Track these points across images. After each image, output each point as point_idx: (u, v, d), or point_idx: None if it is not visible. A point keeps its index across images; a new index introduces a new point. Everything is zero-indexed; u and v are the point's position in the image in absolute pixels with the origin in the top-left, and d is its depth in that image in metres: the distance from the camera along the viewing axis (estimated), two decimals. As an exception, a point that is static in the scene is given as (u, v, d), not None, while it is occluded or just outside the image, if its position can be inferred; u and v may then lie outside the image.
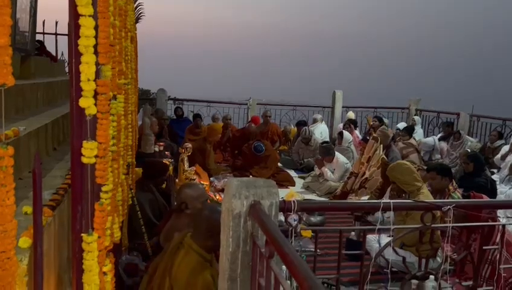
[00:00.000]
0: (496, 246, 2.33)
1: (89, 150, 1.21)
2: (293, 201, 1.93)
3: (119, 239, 2.26)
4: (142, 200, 3.73)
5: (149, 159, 4.62)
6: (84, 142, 1.22)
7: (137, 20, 5.95)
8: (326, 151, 6.81)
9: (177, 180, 4.89)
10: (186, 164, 4.99)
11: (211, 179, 5.95)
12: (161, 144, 5.77)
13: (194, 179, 4.95)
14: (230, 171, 6.92)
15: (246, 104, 10.74)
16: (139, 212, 3.46)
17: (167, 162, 4.66)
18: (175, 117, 9.35)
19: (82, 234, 1.32)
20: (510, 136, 7.62)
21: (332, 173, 6.68)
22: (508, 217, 3.17)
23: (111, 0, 1.46)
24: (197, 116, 8.50)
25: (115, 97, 2.11)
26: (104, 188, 1.57)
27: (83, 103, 1.18)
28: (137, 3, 5.21)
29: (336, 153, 6.90)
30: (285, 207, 1.93)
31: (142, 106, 8.38)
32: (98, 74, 1.42)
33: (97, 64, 1.29)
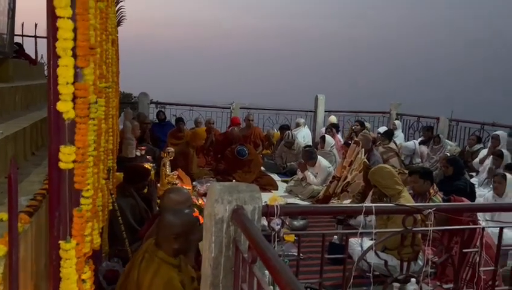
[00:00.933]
0: (476, 249, 2.36)
1: (67, 155, 1.18)
2: (276, 205, 1.92)
3: (99, 245, 2.22)
4: (123, 206, 3.68)
5: (130, 163, 4.56)
6: (62, 147, 1.19)
7: (118, 23, 5.90)
8: (309, 155, 6.84)
9: (158, 185, 4.84)
10: (168, 169, 4.94)
11: (194, 183, 5.90)
12: (143, 148, 5.71)
13: (176, 184, 4.90)
14: (213, 175, 6.89)
15: (229, 108, 10.71)
16: (119, 218, 3.41)
17: (149, 167, 4.61)
18: (157, 121, 9.27)
19: (60, 241, 1.28)
20: (488, 140, 7.76)
21: (315, 176, 6.71)
22: (486, 220, 3.22)
23: (91, 2, 1.43)
24: (179, 120, 8.44)
25: (95, 101, 2.08)
26: (84, 193, 1.54)
27: (61, 106, 1.15)
28: (119, 5, 5.16)
29: (319, 157, 6.94)
30: (268, 212, 1.92)
31: (123, 110, 8.29)
32: (77, 76, 1.39)
33: (76, 67, 1.27)
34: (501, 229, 2.36)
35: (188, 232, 2.32)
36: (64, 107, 1.14)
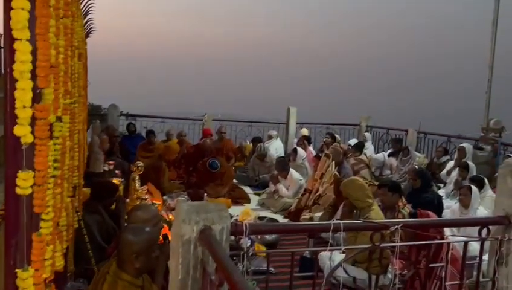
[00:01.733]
0: (442, 264, 2.41)
1: (24, 181, 1.14)
2: (245, 224, 1.90)
3: (62, 267, 2.14)
4: (90, 223, 3.57)
5: (97, 179, 4.45)
6: (19, 172, 1.14)
7: (87, 35, 5.80)
8: (282, 165, 6.87)
9: (127, 200, 4.73)
10: (138, 183, 4.84)
11: (164, 197, 5.80)
12: (111, 162, 5.59)
13: (146, 199, 4.81)
14: (185, 189, 6.79)
15: (201, 120, 10.65)
16: (85, 236, 3.31)
17: (117, 182, 4.51)
18: (127, 133, 9.11)
19: (17, 270, 1.23)
20: (454, 152, 7.96)
21: (287, 189, 6.72)
22: (452, 235, 3.28)
23: (52, 21, 1.40)
24: (150, 132, 8.32)
25: (59, 119, 2.02)
26: (44, 217, 1.48)
27: (18, 131, 1.11)
28: (87, 18, 5.08)
29: (290, 169, 6.96)
30: (236, 231, 1.90)
31: (92, 122, 8.11)
32: (38, 97, 1.35)
33: (36, 88, 1.23)
34: (465, 243, 2.41)
35: (148, 250, 2.27)
36: (22, 131, 1.10)
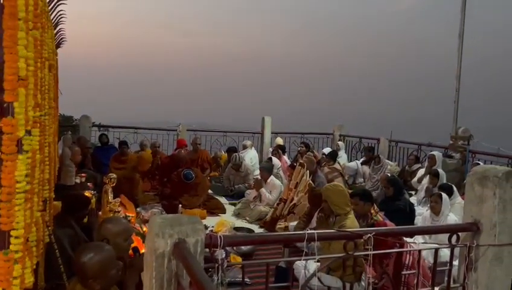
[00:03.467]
0: (413, 271, 2.45)
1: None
2: (219, 236, 1.90)
3: (31, 284, 2.08)
4: (61, 237, 3.48)
5: (69, 192, 4.35)
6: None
7: (58, 45, 5.71)
8: (269, 168, 6.97)
9: (100, 213, 4.64)
10: (111, 195, 4.76)
11: (138, 209, 5.71)
12: (83, 175, 5.48)
13: (119, 211, 4.72)
14: (159, 200, 6.72)
15: (176, 130, 10.59)
16: (57, 251, 3.22)
17: (89, 194, 4.42)
18: (99, 145, 8.97)
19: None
20: (425, 160, 8.15)
21: (269, 193, 6.76)
22: (422, 243, 3.36)
23: (22, 33, 1.37)
24: (123, 143, 8.20)
25: (29, 132, 1.97)
26: (12, 233, 1.44)
27: (-16, 146, 1.08)
28: (58, 28, 5.01)
29: (271, 176, 7.03)
30: (211, 243, 1.89)
31: (64, 134, 7.96)
32: (6, 111, 1.32)
33: (3, 102, 1.20)
34: (436, 250, 2.47)
35: (104, 271, 2.23)
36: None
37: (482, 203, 2.44)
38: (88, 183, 5.51)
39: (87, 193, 4.53)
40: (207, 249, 1.89)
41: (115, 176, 4.93)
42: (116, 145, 8.77)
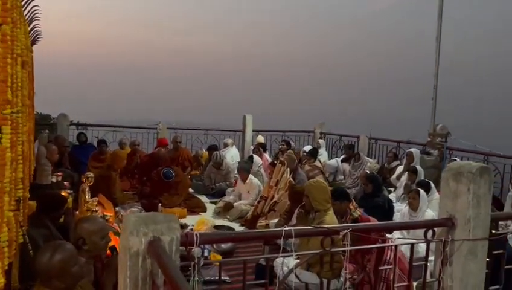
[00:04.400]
0: (391, 266, 2.48)
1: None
2: (195, 234, 1.88)
3: (2, 285, 2.04)
4: (36, 237, 3.41)
5: (44, 191, 4.27)
6: None
7: (33, 42, 5.59)
8: (247, 168, 7.00)
9: (77, 212, 4.57)
10: (88, 195, 4.68)
11: (117, 208, 5.65)
12: (59, 174, 5.38)
13: (97, 211, 4.66)
14: (138, 199, 6.64)
15: (156, 128, 10.49)
16: (31, 251, 3.16)
17: (65, 194, 4.34)
18: (78, 143, 8.83)
19: None
20: (404, 157, 8.25)
21: (248, 192, 6.80)
22: (401, 238, 3.40)
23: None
24: (101, 142, 8.10)
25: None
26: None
27: None
28: (32, 24, 4.90)
29: (250, 175, 7.02)
30: (187, 241, 1.87)
31: (40, 132, 7.81)
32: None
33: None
34: (412, 245, 2.50)
35: (65, 269, 2.21)
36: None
37: (456, 198, 2.48)
38: (65, 183, 5.42)
39: (63, 192, 4.45)
40: (183, 248, 1.88)
41: (92, 174, 4.85)
42: (95, 144, 8.65)
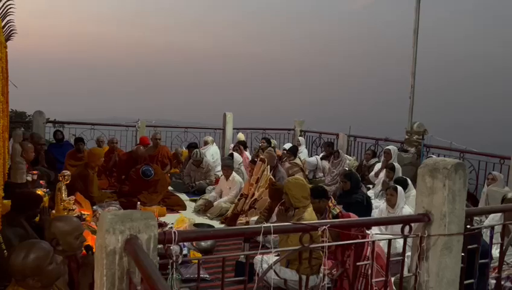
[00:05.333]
0: (368, 261, 2.50)
1: None
2: (174, 232, 1.86)
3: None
4: (11, 237, 3.34)
5: (19, 190, 4.18)
6: None
7: (7, 38, 5.46)
8: (231, 165, 7.03)
9: (53, 211, 4.49)
10: (64, 193, 4.60)
11: (94, 207, 5.57)
12: (35, 172, 5.28)
13: (74, 209, 4.58)
14: (116, 197, 6.56)
15: (135, 126, 10.38)
16: (5, 251, 3.09)
17: (41, 193, 4.26)
18: (54, 141, 8.67)
19: None
20: (382, 155, 8.36)
21: (229, 189, 6.79)
22: (380, 233, 3.44)
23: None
24: (78, 140, 7.97)
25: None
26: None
27: None
28: (6, 20, 4.78)
29: (233, 172, 7.02)
30: (165, 239, 1.85)
31: (15, 130, 7.62)
32: None
33: None
34: (389, 241, 2.53)
35: (41, 267, 2.18)
36: None
37: (432, 194, 2.51)
38: (40, 181, 5.31)
39: (39, 191, 4.37)
40: (161, 246, 1.86)
41: (68, 173, 4.78)
42: (72, 142, 8.52)
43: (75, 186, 5.45)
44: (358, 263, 2.52)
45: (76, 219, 2.82)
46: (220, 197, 6.89)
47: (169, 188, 7.57)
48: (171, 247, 1.93)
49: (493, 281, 3.18)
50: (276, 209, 5.18)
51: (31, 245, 2.25)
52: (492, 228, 3.07)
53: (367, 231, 2.86)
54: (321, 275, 3.36)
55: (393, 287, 3.52)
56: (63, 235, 2.64)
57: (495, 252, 3.87)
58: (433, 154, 8.09)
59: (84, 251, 2.81)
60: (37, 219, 3.85)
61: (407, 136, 8.63)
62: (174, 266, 1.87)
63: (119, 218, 1.68)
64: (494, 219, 4.75)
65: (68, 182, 4.72)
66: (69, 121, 10.13)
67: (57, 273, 2.29)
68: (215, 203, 6.64)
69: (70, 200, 4.65)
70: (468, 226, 2.58)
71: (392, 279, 3.55)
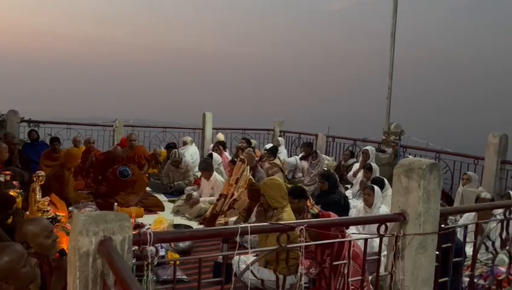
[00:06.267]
0: (345, 261, 2.52)
1: None
2: (149, 233, 1.84)
3: None
4: (-18, 239, 3.26)
5: (-9, 191, 4.07)
6: None
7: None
8: (208, 165, 6.89)
9: (27, 213, 4.39)
10: (39, 194, 4.50)
11: (70, 208, 5.47)
12: (7, 172, 5.14)
13: (48, 211, 4.49)
14: (93, 198, 6.45)
15: (112, 125, 10.23)
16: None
17: (14, 194, 4.16)
18: (29, 141, 8.48)
19: None
20: (359, 155, 8.44)
21: (211, 189, 6.78)
22: (357, 233, 3.47)
23: None
24: (54, 139, 7.82)
25: None
26: None
27: None
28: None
29: (214, 172, 6.98)
30: (140, 240, 1.83)
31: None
32: None
33: None
34: (366, 240, 2.56)
35: (15, 270, 2.13)
36: None
37: (408, 194, 2.55)
38: (14, 182, 5.18)
39: (12, 192, 4.26)
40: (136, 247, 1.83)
41: (43, 173, 4.67)
42: (47, 141, 8.35)
43: (50, 187, 5.34)
44: (335, 263, 2.53)
45: (44, 219, 2.76)
46: (200, 197, 6.85)
47: (148, 188, 7.49)
48: (147, 248, 1.91)
49: (466, 279, 3.24)
50: (255, 209, 5.18)
51: (4, 247, 2.20)
52: (465, 227, 3.13)
53: (342, 231, 2.88)
54: (299, 274, 3.37)
55: (371, 287, 3.56)
56: (33, 238, 2.59)
57: (468, 250, 3.96)
58: (409, 154, 8.21)
59: (58, 253, 2.75)
60: (10, 220, 3.76)
61: (384, 137, 8.74)
62: (150, 268, 1.84)
63: (92, 219, 1.66)
64: (468, 218, 4.85)
65: (43, 182, 4.62)
66: (44, 121, 9.91)
67: (30, 277, 2.24)
68: (200, 200, 6.61)
69: (45, 201, 4.55)
70: (442, 225, 2.62)
71: (370, 278, 3.59)
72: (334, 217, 3.32)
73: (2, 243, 2.38)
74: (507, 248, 3.03)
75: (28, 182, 5.48)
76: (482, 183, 6.87)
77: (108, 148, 9.09)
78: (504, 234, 2.96)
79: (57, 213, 4.78)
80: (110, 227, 1.67)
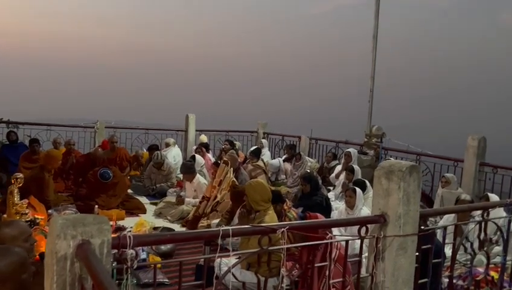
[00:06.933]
0: (326, 263, 2.53)
1: None
2: (128, 236, 1.81)
3: None
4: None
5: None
6: None
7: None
8: (188, 169, 6.81)
9: (5, 215, 4.30)
10: (17, 197, 4.42)
11: (50, 211, 5.38)
12: (-16, 175, 5.05)
13: (27, 213, 4.40)
14: (73, 201, 6.35)
15: (93, 127, 10.10)
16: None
17: (-9, 196, 4.07)
18: (7, 142, 8.31)
19: None
20: (342, 157, 8.49)
21: (194, 191, 6.72)
22: (340, 235, 3.49)
23: None
24: (33, 141, 7.69)
25: None
26: None
27: None
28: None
29: (197, 174, 6.94)
30: (119, 243, 1.80)
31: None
32: None
33: None
34: (347, 242, 2.57)
35: (15, 274, 2.08)
36: None
37: (388, 196, 2.56)
38: (-9, 184, 5.08)
39: (-12, 195, 4.17)
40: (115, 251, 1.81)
41: (21, 175, 4.59)
42: (27, 143, 8.20)
43: (29, 189, 5.24)
44: (316, 264, 2.54)
45: (22, 222, 2.71)
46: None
47: (129, 191, 7.41)
48: (126, 251, 1.88)
49: (446, 280, 3.29)
50: (238, 212, 5.17)
51: (10, 250, 2.16)
52: (445, 228, 3.17)
53: (328, 233, 2.90)
54: (280, 276, 3.37)
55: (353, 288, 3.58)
56: (11, 241, 2.54)
57: (448, 251, 4.01)
58: (391, 156, 8.29)
59: (37, 256, 2.70)
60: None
61: (366, 139, 8.81)
62: (129, 271, 1.82)
63: (70, 222, 1.63)
64: (448, 219, 4.91)
65: (21, 184, 4.53)
66: (23, 122, 9.73)
67: (26, 285, 2.19)
68: (186, 200, 6.59)
69: (23, 204, 4.46)
70: (422, 227, 2.65)
71: (352, 278, 3.60)
72: (321, 218, 3.33)
73: (5, 245, 2.30)
74: (485, 249, 3.08)
75: (6, 185, 5.37)
76: (461, 185, 6.99)
77: (89, 150, 8.97)
78: (482, 235, 3.00)
79: (36, 216, 4.70)
80: (88, 230, 1.64)
